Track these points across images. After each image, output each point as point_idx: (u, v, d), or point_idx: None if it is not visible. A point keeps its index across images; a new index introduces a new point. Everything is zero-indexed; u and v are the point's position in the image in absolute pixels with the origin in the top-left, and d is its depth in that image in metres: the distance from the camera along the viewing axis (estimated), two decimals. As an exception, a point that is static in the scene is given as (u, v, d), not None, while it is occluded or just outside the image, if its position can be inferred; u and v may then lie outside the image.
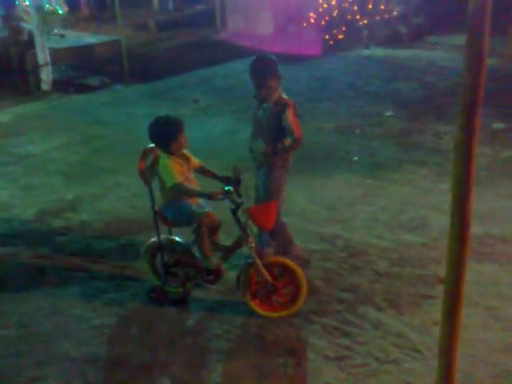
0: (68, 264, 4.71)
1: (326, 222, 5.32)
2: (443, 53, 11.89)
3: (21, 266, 4.70)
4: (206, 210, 4.05)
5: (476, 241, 4.68)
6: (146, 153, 4.01)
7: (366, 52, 12.27)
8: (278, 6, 13.69)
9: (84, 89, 10.38)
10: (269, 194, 4.32)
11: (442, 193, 5.64)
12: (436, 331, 2.87)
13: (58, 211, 5.67)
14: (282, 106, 4.18)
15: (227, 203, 3.83)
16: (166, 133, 3.90)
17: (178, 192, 3.89)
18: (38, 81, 10.19)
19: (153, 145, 4.02)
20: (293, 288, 3.94)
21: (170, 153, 3.92)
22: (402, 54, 12.02)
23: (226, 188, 3.83)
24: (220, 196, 3.81)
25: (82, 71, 11.32)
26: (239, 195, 3.89)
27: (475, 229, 4.87)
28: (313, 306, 4.04)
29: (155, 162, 4.01)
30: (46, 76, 10.22)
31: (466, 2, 2.03)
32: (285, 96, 4.28)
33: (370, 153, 7.03)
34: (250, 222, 3.88)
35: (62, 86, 10.43)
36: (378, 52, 12.23)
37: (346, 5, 13.47)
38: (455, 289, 2.38)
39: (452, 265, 2.37)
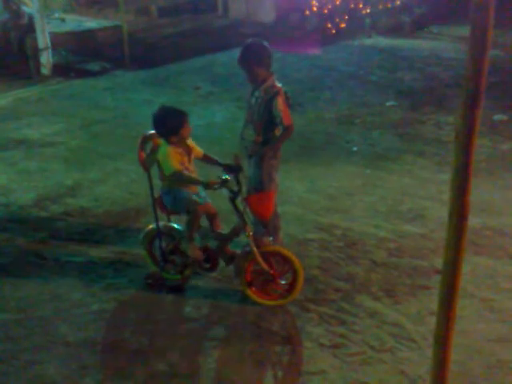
0: (67, 249, 4.72)
1: (325, 211, 5.33)
2: (446, 43, 11.83)
3: (19, 251, 4.71)
4: (205, 202, 4.06)
5: (474, 232, 4.69)
6: (146, 139, 4.00)
7: (369, 41, 12.21)
8: (280, -7, 13.60)
9: (84, 74, 10.34)
10: (260, 183, 4.31)
11: (442, 183, 5.64)
12: (431, 321, 2.90)
13: (56, 196, 5.67)
14: (272, 94, 4.15)
15: (225, 192, 3.83)
16: (170, 123, 3.87)
17: (177, 179, 3.89)
18: (38, 65, 10.13)
19: (152, 131, 4.02)
20: (290, 277, 3.95)
21: (172, 142, 3.92)
22: (405, 43, 11.95)
23: (224, 177, 3.84)
24: (217, 185, 3.81)
25: (83, 56, 11.25)
26: (239, 183, 3.90)
27: (473, 220, 4.87)
28: (309, 295, 4.06)
29: (155, 148, 4.01)
30: (46, 60, 10.17)
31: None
32: (278, 84, 4.23)
33: (370, 143, 7.02)
34: (248, 210, 3.88)
35: (62, 70, 10.38)
36: (381, 41, 12.16)
37: (349, -7, 13.39)
38: (451, 279, 2.39)
39: (449, 255, 2.38)
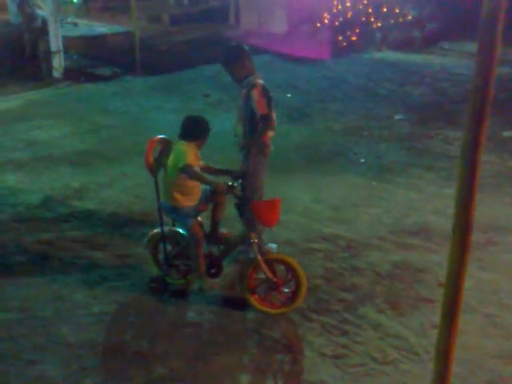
0: (71, 251, 4.73)
1: (330, 221, 5.32)
2: (456, 59, 11.85)
3: (24, 251, 4.73)
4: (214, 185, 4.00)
5: (478, 248, 4.67)
6: (154, 144, 4.02)
7: (379, 55, 12.25)
8: (292, 5, 13.68)
9: (95, 78, 10.41)
10: (246, 177, 4.28)
11: (448, 198, 5.62)
12: (434, 334, 2.88)
13: (63, 198, 5.70)
14: (249, 87, 4.31)
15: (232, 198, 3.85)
16: (200, 128, 4.02)
17: (188, 174, 3.87)
18: (50, 68, 10.23)
19: (161, 136, 4.05)
20: (293, 286, 3.95)
21: (191, 145, 3.97)
22: (415, 58, 11.98)
23: (230, 183, 3.85)
24: (223, 190, 3.83)
25: (94, 61, 11.34)
26: (245, 190, 3.90)
27: (478, 236, 4.87)
28: (312, 304, 4.05)
29: (163, 152, 4.03)
30: (58, 63, 10.26)
31: (480, 10, 2.04)
32: (260, 81, 4.36)
33: (378, 155, 7.02)
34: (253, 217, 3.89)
35: (73, 74, 10.46)
36: (391, 55, 12.20)
37: (361, 7, 13.45)
38: (454, 293, 2.38)
39: (452, 269, 2.37)
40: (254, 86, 4.29)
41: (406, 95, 9.57)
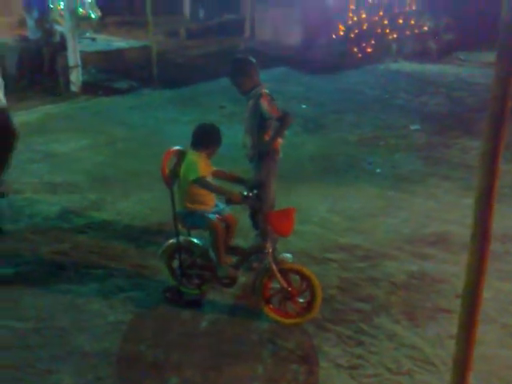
0: (87, 261, 4.76)
1: (346, 231, 5.29)
2: (472, 69, 11.79)
3: (41, 262, 4.76)
4: (224, 214, 4.07)
5: (497, 258, 4.60)
6: (170, 155, 4.04)
7: (394, 66, 12.23)
8: (307, 17, 13.75)
9: (112, 92, 10.54)
10: (258, 185, 4.24)
11: (466, 208, 5.56)
12: (451, 345, 2.84)
13: (80, 210, 5.75)
14: (256, 97, 4.34)
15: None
16: (212, 136, 4.04)
17: (201, 185, 3.90)
18: (68, 82, 10.38)
19: (177, 147, 4.07)
20: (308, 296, 3.92)
21: (202, 155, 3.99)
22: (431, 68, 11.94)
23: (245, 193, 3.85)
24: (239, 201, 3.83)
25: (112, 75, 11.48)
26: (259, 199, 3.90)
27: (497, 246, 4.80)
28: (327, 314, 4.01)
29: (178, 164, 4.05)
30: (76, 78, 10.40)
31: (497, 20, 2.03)
32: (265, 90, 4.39)
33: (394, 165, 6.99)
34: (268, 226, 3.88)
35: (91, 88, 10.60)
36: (407, 66, 12.17)
37: (377, 18, 13.47)
38: (472, 302, 2.35)
39: (470, 278, 2.34)
40: (261, 95, 4.32)
41: (422, 105, 9.53)
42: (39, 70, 10.52)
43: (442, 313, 4.03)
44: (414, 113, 9.12)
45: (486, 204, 2.22)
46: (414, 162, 7.09)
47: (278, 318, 3.93)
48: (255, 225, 4.36)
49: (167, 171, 3.98)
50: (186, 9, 18.20)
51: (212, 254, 4.06)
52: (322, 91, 10.45)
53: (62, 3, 12.47)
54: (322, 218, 5.57)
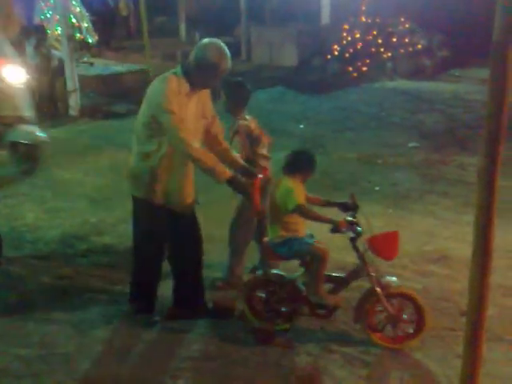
0: (90, 286, 4.75)
1: (346, 250, 5.27)
2: (467, 85, 11.90)
3: (44, 287, 4.76)
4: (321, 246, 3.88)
5: (500, 274, 4.61)
6: (263, 185, 3.93)
7: (390, 84, 12.34)
8: (301, 38, 13.92)
9: (111, 115, 10.60)
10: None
11: (466, 224, 5.57)
12: (458, 364, 2.83)
13: (81, 234, 5.75)
14: (233, 131, 4.46)
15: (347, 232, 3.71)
16: (308, 162, 3.87)
17: (301, 213, 3.74)
18: (67, 107, 10.44)
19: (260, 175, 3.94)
20: (414, 320, 3.79)
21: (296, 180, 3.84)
22: (426, 86, 12.05)
23: (350, 218, 3.74)
24: (345, 228, 3.68)
25: (110, 98, 11.56)
26: (357, 223, 3.79)
27: (499, 262, 4.80)
28: (332, 335, 4.00)
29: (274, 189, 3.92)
30: (75, 102, 10.47)
31: (490, 36, 2.07)
32: (245, 123, 4.44)
33: (393, 183, 7.02)
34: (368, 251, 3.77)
35: (90, 112, 10.67)
36: (402, 84, 12.29)
37: (371, 38, 13.62)
38: (477, 318, 2.36)
39: (474, 293, 2.35)
40: (237, 131, 4.39)
41: (419, 123, 9.61)
42: (38, 95, 10.56)
43: (447, 331, 4.02)
44: (411, 130, 9.19)
45: (487, 220, 2.24)
46: (412, 180, 7.13)
47: (387, 344, 3.81)
48: (356, 249, 3.97)
49: (259, 198, 3.75)
50: (182, 32, 18.38)
51: (301, 285, 3.88)
52: (319, 110, 10.53)
53: (59, 28, 12.58)
54: (322, 237, 5.56)
